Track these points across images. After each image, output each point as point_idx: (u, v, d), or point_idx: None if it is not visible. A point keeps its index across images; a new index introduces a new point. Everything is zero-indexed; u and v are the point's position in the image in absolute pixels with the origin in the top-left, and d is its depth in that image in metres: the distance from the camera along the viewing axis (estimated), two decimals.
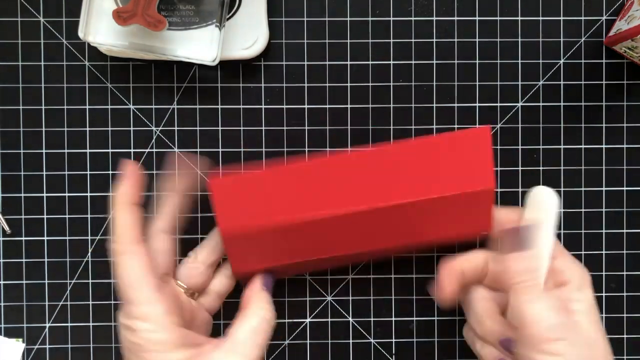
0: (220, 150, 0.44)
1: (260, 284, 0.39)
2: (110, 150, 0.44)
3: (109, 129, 0.44)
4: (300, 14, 0.44)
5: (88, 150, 0.44)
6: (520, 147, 0.45)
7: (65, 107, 0.44)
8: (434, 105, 0.44)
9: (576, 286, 0.36)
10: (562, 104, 0.45)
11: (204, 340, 0.36)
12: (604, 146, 0.45)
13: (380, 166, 0.38)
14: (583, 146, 0.45)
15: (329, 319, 0.45)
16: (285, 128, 0.44)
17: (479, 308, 0.39)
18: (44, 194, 0.44)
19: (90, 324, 0.44)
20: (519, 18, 0.44)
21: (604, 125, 0.45)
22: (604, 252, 0.45)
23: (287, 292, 0.45)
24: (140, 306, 0.33)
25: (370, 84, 0.44)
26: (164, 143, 0.44)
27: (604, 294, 0.45)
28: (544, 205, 0.38)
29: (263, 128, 0.44)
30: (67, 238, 0.44)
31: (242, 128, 0.44)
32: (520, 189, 0.45)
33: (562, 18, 0.44)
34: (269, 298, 0.38)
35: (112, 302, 0.44)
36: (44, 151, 0.44)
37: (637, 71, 0.45)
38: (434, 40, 0.44)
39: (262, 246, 0.39)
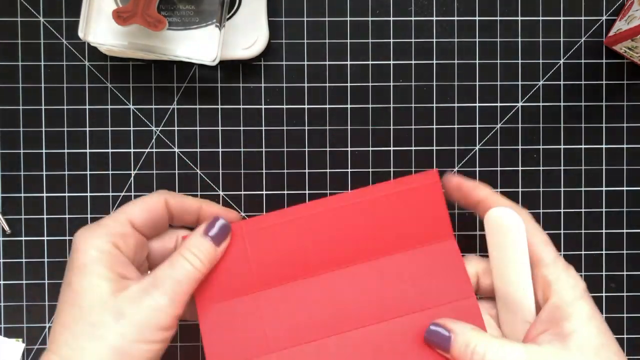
0: (220, 150, 0.44)
1: (203, 230, 0.36)
2: (110, 150, 0.44)
3: (109, 129, 0.44)
4: (300, 14, 0.44)
5: (88, 150, 0.44)
6: (520, 147, 0.45)
7: (65, 107, 0.44)
8: (434, 105, 0.44)
9: (568, 300, 0.34)
10: (562, 104, 0.45)
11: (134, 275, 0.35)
12: (604, 146, 0.45)
13: (339, 232, 0.38)
14: (583, 146, 0.45)
15: None
16: (285, 128, 0.44)
17: None
18: (44, 194, 0.44)
19: None
20: (519, 18, 0.44)
21: (604, 125, 0.45)
22: (604, 252, 0.45)
23: None
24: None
25: (370, 84, 0.44)
26: (164, 143, 0.44)
27: (604, 294, 0.45)
28: (506, 229, 0.36)
29: (263, 128, 0.44)
30: (67, 238, 0.44)
31: (242, 128, 0.44)
32: (520, 189, 0.45)
33: (562, 18, 0.44)
34: (208, 247, 0.36)
35: None
36: (44, 151, 0.44)
37: (637, 71, 0.45)
38: (434, 40, 0.44)
39: None
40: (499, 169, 0.44)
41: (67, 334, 0.33)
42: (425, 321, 0.36)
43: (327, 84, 0.44)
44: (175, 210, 0.38)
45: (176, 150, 0.44)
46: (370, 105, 0.44)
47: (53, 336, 0.34)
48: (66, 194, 0.44)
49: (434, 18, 0.44)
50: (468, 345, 0.34)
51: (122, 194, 0.44)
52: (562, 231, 0.45)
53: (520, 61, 0.44)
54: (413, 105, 0.44)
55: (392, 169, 0.44)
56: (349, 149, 0.44)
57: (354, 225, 0.38)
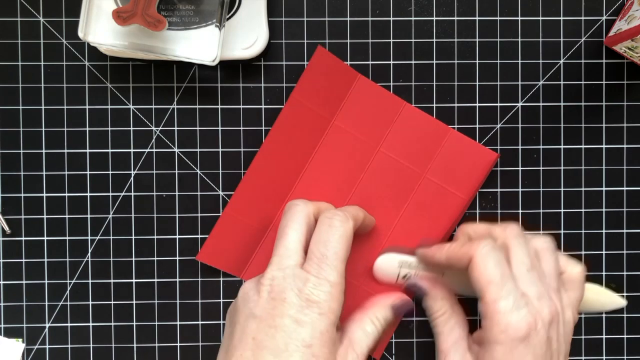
0: (220, 150, 0.44)
1: (390, 303, 0.40)
2: (110, 150, 0.44)
3: (109, 129, 0.44)
4: (300, 14, 0.44)
5: (88, 150, 0.44)
6: (520, 147, 0.45)
7: (65, 107, 0.44)
8: (434, 105, 0.44)
9: (487, 339, 0.36)
10: (562, 104, 0.45)
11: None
12: (604, 146, 0.45)
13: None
14: (583, 146, 0.45)
15: None
16: None
17: None
18: (44, 194, 0.44)
19: (90, 324, 0.44)
20: (519, 18, 0.44)
21: (604, 125, 0.45)
22: (604, 252, 0.45)
23: None
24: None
25: None
26: (164, 143, 0.44)
27: None
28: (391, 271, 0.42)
29: (263, 128, 0.44)
30: (67, 238, 0.44)
31: (242, 128, 0.44)
32: (520, 189, 0.45)
33: (562, 18, 0.44)
34: (388, 316, 0.39)
35: (112, 302, 0.44)
36: (43, 151, 0.44)
37: (637, 71, 0.45)
38: (434, 40, 0.44)
39: None
40: (499, 169, 0.44)
41: None
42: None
43: None
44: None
45: (176, 150, 0.44)
46: None
47: None
48: (66, 194, 0.44)
49: (434, 18, 0.44)
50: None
51: (122, 194, 0.44)
52: (562, 231, 0.45)
53: (520, 61, 0.44)
54: (413, 105, 0.44)
55: None
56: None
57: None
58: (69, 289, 0.44)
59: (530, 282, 0.36)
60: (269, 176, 0.43)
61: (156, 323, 0.44)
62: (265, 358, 0.33)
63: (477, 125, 0.44)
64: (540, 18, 0.44)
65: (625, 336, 0.45)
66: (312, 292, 0.34)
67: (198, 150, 0.44)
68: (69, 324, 0.44)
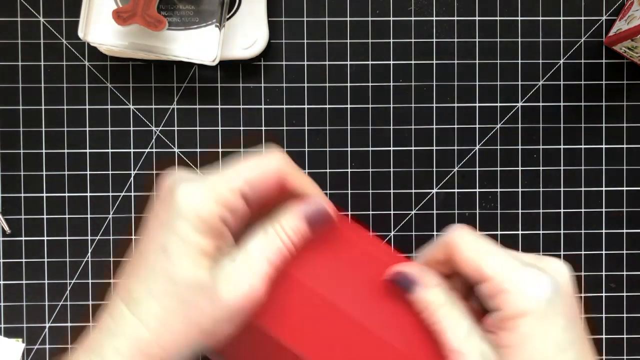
0: (220, 150, 0.44)
1: (301, 212, 0.32)
2: (110, 150, 0.44)
3: (109, 129, 0.44)
4: (300, 14, 0.44)
5: (88, 150, 0.44)
6: (520, 147, 0.45)
7: (65, 107, 0.44)
8: (434, 105, 0.44)
9: (512, 313, 0.28)
10: (562, 104, 0.45)
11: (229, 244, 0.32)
12: (604, 146, 0.45)
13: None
14: (583, 146, 0.45)
15: None
16: (285, 128, 0.44)
17: None
18: (44, 194, 0.44)
19: (90, 324, 0.44)
20: (519, 18, 0.44)
21: (604, 125, 0.45)
22: (604, 252, 0.45)
23: None
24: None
25: (370, 84, 0.44)
26: (163, 143, 0.44)
27: (604, 294, 0.45)
28: None
29: (263, 128, 0.44)
30: (67, 238, 0.44)
31: (242, 128, 0.44)
32: (520, 189, 0.45)
33: (562, 18, 0.44)
34: (301, 227, 0.32)
35: None
36: (43, 151, 0.44)
37: (637, 71, 0.45)
38: (434, 40, 0.44)
39: None
40: (499, 169, 0.44)
41: (155, 306, 0.30)
42: None
43: (327, 84, 0.44)
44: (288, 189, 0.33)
45: (176, 150, 0.44)
46: (370, 105, 0.44)
47: (133, 298, 0.30)
48: (66, 194, 0.44)
49: (434, 18, 0.44)
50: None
51: (122, 194, 0.44)
52: (562, 231, 0.45)
53: (520, 61, 0.44)
54: (413, 105, 0.44)
55: (392, 169, 0.44)
56: (349, 149, 0.44)
57: None
58: (68, 289, 0.44)
59: (510, 252, 0.31)
60: None
61: None
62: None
63: (477, 125, 0.44)
64: (540, 18, 0.44)
65: (625, 336, 0.45)
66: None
67: (198, 150, 0.44)
68: (69, 324, 0.44)
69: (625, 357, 0.45)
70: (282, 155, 0.33)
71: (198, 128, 0.44)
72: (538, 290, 0.29)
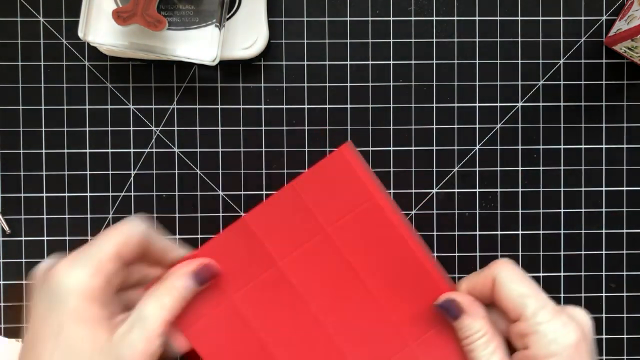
0: (220, 150, 0.44)
1: (190, 272, 0.35)
2: (110, 150, 0.44)
3: (109, 129, 0.44)
4: (300, 14, 0.44)
5: (88, 150, 0.44)
6: (520, 147, 0.45)
7: (65, 107, 0.44)
8: (434, 105, 0.44)
9: (540, 355, 0.33)
10: (562, 104, 0.45)
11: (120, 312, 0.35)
12: (604, 146, 0.45)
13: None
14: (583, 146, 0.45)
15: None
16: (285, 128, 0.44)
17: None
18: (44, 194, 0.44)
19: None
20: (519, 18, 0.44)
21: (604, 125, 0.45)
22: (604, 252, 0.45)
23: None
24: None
25: (370, 84, 0.44)
26: (163, 143, 0.44)
27: (603, 294, 0.45)
28: None
29: (263, 128, 0.44)
30: (67, 238, 0.44)
31: (242, 128, 0.44)
32: (520, 189, 0.45)
33: (562, 18, 0.44)
34: (189, 284, 0.35)
35: None
36: (43, 151, 0.44)
37: (637, 71, 0.45)
38: (434, 40, 0.44)
39: None
40: (498, 169, 0.44)
41: None
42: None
43: (327, 84, 0.44)
44: (149, 252, 0.37)
45: (176, 150, 0.44)
46: (370, 105, 0.44)
47: None
48: (66, 194, 0.44)
49: (434, 18, 0.44)
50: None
51: (122, 194, 0.44)
52: (562, 231, 0.45)
53: (520, 61, 0.44)
54: (413, 105, 0.44)
55: (392, 169, 0.44)
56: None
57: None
58: None
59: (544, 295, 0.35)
60: (236, 252, 0.37)
61: None
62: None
63: (477, 126, 0.44)
64: (540, 18, 0.44)
65: (625, 336, 0.45)
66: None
67: (198, 150, 0.44)
68: None
69: (625, 357, 0.45)
70: (142, 221, 0.36)
71: (198, 128, 0.44)
72: (569, 336, 0.33)
